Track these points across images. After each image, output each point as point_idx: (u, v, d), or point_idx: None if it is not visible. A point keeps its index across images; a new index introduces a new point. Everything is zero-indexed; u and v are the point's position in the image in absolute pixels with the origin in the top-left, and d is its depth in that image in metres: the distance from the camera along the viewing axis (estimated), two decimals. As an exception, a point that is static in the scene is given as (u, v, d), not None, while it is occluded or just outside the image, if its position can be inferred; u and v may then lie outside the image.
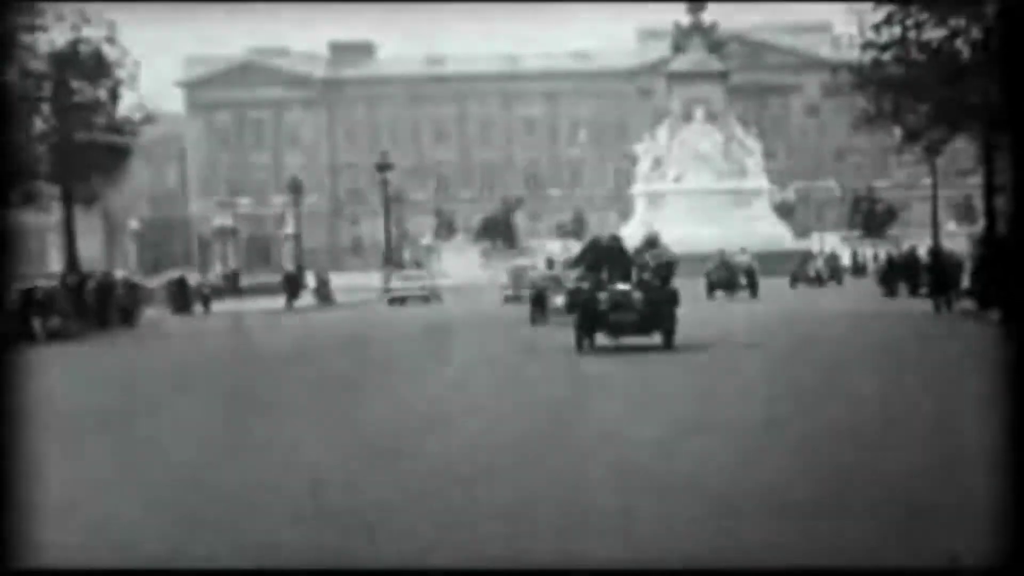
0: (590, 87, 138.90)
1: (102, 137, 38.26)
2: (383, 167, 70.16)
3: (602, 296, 26.52)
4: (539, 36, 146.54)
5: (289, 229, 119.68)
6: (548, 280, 39.92)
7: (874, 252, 79.31)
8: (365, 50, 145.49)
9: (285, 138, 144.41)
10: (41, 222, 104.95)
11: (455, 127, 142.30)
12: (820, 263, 71.37)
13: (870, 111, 37.58)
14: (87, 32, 37.95)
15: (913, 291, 49.16)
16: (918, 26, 34.19)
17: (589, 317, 26.75)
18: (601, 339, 26.92)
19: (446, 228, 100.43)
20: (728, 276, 54.48)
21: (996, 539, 9.09)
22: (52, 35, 37.00)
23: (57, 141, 36.55)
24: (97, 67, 38.08)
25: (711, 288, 53.97)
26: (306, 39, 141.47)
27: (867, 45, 36.10)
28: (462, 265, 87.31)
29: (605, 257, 27.26)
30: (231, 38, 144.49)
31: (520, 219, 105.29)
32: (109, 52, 38.67)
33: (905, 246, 62.81)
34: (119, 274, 46.99)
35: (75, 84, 37.68)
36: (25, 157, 35.65)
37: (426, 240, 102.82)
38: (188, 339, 36.85)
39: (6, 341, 33.37)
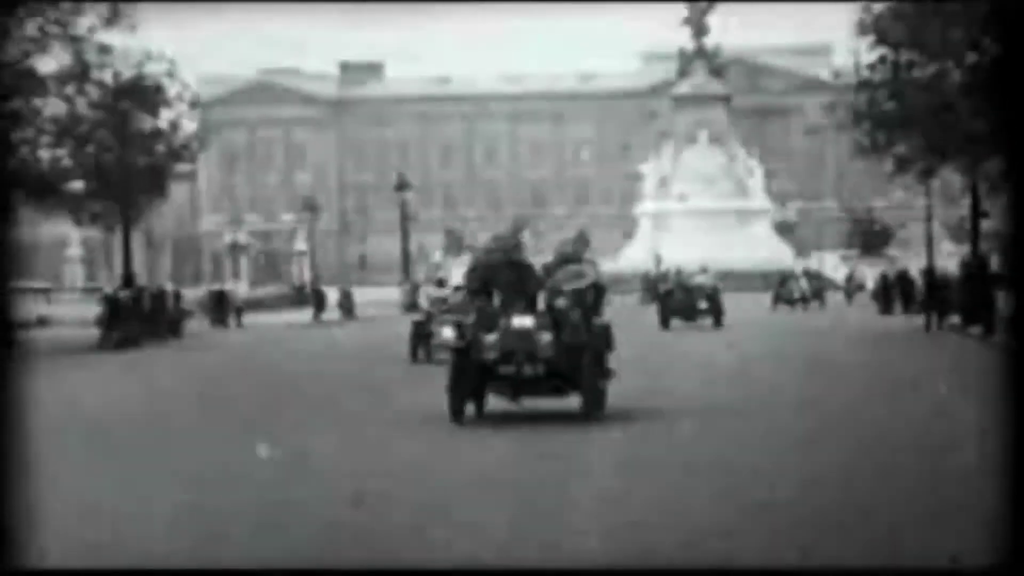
0: (594, 108, 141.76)
1: (162, 162, 41.85)
2: (401, 186, 73.06)
3: (489, 338, 17.74)
4: (545, 58, 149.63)
5: (300, 246, 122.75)
6: (436, 304, 30.29)
7: (873, 271, 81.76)
8: (374, 71, 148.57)
9: (294, 156, 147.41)
10: (57, 237, 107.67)
11: (462, 146, 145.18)
12: (804, 283, 63.92)
13: (865, 143, 40.81)
14: (150, 67, 41.54)
15: (907, 308, 51.89)
16: (909, 67, 37.20)
17: (470, 370, 17.74)
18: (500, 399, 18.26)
19: (456, 245, 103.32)
20: (686, 301, 46.21)
21: (996, 539, 9.05)
22: (118, 69, 40.39)
23: (119, 166, 39.88)
24: (157, 99, 41.67)
25: (665, 316, 45.92)
26: (317, 60, 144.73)
27: (862, 85, 39.36)
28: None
29: (498, 278, 18.39)
30: (243, 58, 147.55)
31: (526, 237, 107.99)
32: (169, 85, 42.30)
33: (900, 265, 65.50)
34: (168, 288, 50.16)
35: (137, 115, 41.13)
36: (93, 181, 39.27)
37: (436, 257, 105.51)
38: (242, 348, 39.66)
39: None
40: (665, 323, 45.42)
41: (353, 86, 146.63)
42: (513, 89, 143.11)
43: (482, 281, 18.47)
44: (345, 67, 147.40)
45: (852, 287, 72.04)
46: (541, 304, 18.28)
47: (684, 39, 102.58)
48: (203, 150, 45.00)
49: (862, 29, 38.30)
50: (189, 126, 43.10)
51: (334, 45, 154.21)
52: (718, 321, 45.00)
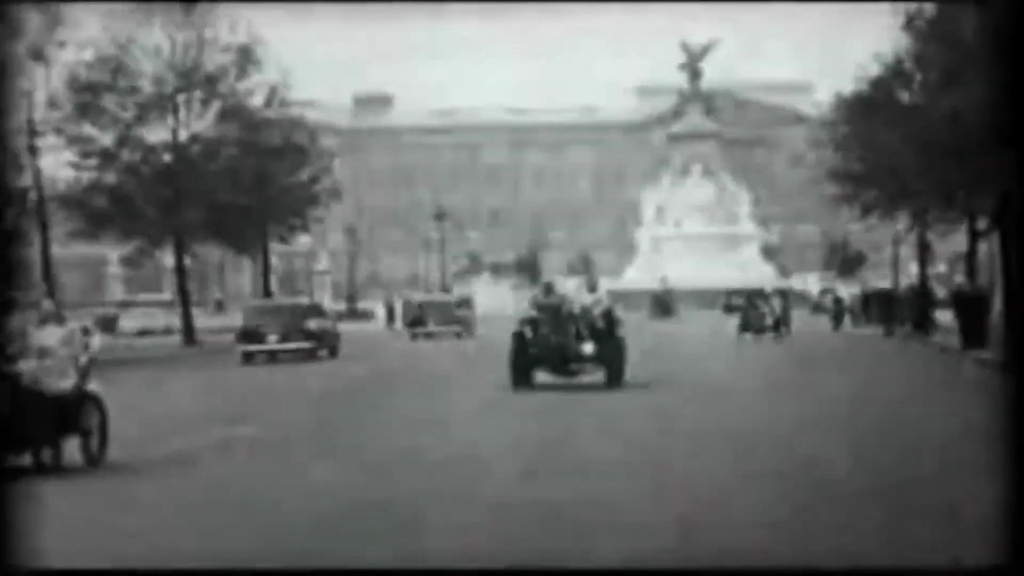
0: (592, 138, 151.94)
1: (303, 207, 53.61)
2: (440, 216, 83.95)
3: None
4: (545, 90, 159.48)
5: (321, 265, 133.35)
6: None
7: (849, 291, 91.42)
8: (385, 102, 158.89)
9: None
10: (94, 256, 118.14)
11: (466, 173, 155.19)
12: (777, 304, 52.52)
13: (837, 193, 52.78)
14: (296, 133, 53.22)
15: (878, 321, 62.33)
16: (874, 138, 48.26)
17: None
18: None
19: (476, 265, 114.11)
20: (557, 340, 27.51)
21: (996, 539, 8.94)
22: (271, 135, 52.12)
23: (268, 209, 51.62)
24: (300, 159, 53.37)
25: (519, 366, 27.76)
26: (332, 92, 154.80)
27: (837, 147, 51.13)
28: (493, 296, 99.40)
29: None
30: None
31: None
32: (310, 146, 53.97)
33: (871, 286, 76.17)
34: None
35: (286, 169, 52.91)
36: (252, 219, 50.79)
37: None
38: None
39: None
40: (522, 379, 27.69)
41: (365, 116, 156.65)
42: (515, 119, 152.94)
43: None
44: (358, 99, 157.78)
45: (840, 309, 64.60)
46: None
47: (676, 76, 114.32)
48: (337, 199, 56.88)
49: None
50: (327, 179, 55.14)
51: (346, 76, 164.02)
52: (615, 377, 27.49)
